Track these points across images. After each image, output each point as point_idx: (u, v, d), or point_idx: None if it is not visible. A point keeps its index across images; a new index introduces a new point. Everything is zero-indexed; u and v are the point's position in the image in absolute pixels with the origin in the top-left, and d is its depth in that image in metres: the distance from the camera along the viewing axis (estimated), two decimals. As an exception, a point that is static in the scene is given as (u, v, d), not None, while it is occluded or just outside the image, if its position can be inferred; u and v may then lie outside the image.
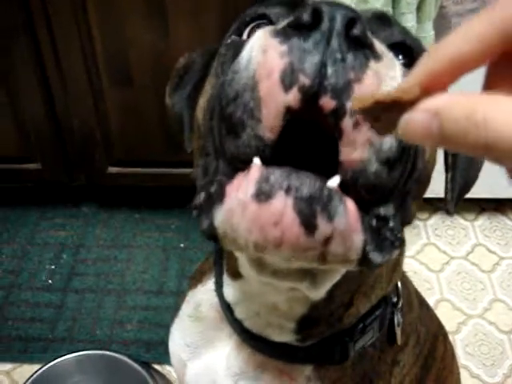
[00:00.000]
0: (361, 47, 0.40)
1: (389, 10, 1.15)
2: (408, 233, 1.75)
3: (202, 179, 0.49)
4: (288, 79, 0.40)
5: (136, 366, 1.27)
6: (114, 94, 1.50)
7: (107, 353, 1.30)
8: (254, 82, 0.41)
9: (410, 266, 1.65)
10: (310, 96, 0.39)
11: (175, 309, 0.81)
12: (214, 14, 1.35)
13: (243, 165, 0.42)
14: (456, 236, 1.75)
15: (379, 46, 0.42)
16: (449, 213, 0.64)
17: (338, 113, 0.40)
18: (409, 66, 0.48)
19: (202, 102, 0.56)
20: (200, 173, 0.50)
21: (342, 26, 0.39)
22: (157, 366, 1.38)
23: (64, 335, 1.44)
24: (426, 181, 0.54)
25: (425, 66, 0.29)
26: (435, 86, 0.28)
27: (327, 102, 0.40)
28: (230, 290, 0.64)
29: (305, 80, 0.39)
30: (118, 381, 1.30)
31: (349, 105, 0.39)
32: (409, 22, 1.17)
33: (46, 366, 1.27)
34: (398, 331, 0.69)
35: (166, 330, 0.82)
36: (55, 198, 1.74)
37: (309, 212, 0.39)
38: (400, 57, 0.51)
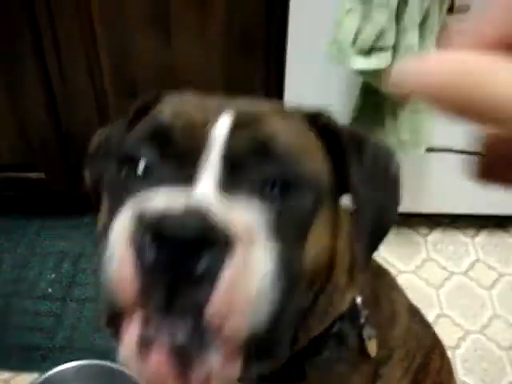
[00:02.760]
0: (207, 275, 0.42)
1: (392, 25, 1.16)
2: (408, 248, 1.76)
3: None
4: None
5: (135, 376, 1.27)
6: (118, 106, 1.51)
7: (106, 363, 1.30)
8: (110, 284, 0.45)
9: (409, 281, 1.65)
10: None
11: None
12: (217, 28, 1.37)
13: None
14: (456, 252, 1.75)
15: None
16: (360, 268, 0.64)
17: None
18: (287, 198, 0.49)
19: (103, 212, 0.57)
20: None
21: (182, 265, 0.41)
22: (156, 377, 1.37)
23: (63, 344, 1.44)
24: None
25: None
26: None
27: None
28: None
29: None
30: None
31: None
32: (411, 38, 1.19)
33: (45, 375, 1.27)
34: (369, 344, 0.70)
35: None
36: (57, 207, 1.74)
37: (182, 368, 0.43)
38: (275, 190, 0.49)
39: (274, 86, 1.49)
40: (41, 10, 1.33)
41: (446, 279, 1.67)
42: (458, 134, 1.54)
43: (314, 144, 0.57)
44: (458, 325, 1.56)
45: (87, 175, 0.70)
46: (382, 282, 0.80)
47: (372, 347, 0.71)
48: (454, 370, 1.09)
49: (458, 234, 1.79)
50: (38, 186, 1.64)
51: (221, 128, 0.50)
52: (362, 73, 1.25)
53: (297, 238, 0.50)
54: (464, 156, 1.60)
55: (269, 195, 0.48)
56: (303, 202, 0.50)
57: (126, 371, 1.28)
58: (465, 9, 1.32)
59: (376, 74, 1.24)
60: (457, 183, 1.66)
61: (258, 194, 0.48)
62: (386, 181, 0.60)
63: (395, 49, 1.20)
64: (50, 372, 1.27)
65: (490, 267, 1.71)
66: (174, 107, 0.54)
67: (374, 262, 0.83)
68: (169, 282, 0.41)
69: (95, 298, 1.54)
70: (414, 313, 0.90)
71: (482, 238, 1.79)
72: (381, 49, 1.19)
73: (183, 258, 0.41)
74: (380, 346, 0.77)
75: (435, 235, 1.79)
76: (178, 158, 0.49)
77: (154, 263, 0.41)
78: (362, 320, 0.69)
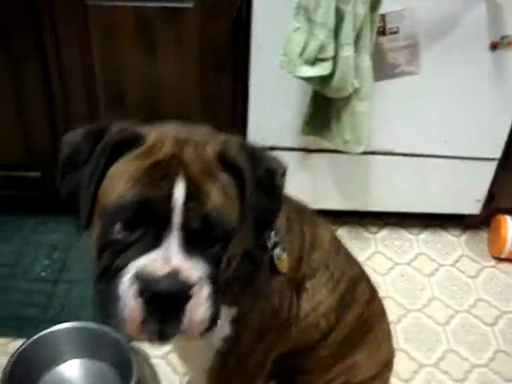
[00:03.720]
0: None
1: (331, 41, 1.44)
2: (359, 243, 2.00)
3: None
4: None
5: (118, 336, 1.46)
6: (109, 113, 1.76)
7: (92, 325, 1.50)
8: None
9: (360, 269, 1.88)
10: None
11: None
12: (192, 46, 1.65)
13: None
14: (401, 246, 2.00)
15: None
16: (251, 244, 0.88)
17: None
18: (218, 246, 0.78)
19: (94, 236, 0.84)
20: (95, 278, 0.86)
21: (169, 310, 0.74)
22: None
23: (53, 317, 1.64)
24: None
25: None
26: None
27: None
28: None
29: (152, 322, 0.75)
30: (101, 350, 1.50)
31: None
32: (347, 51, 1.47)
33: (37, 335, 1.46)
34: (279, 262, 0.96)
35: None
36: (51, 205, 1.96)
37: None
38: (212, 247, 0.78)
39: (241, 98, 1.77)
40: (49, 37, 1.62)
41: (391, 268, 1.92)
42: (403, 137, 1.81)
43: (231, 191, 0.79)
44: (400, 305, 1.80)
45: (61, 185, 0.86)
46: (305, 218, 1.05)
47: (282, 264, 0.96)
48: (386, 314, 1.31)
49: (403, 232, 2.05)
50: (35, 184, 1.87)
51: (178, 202, 0.74)
52: (309, 80, 1.52)
53: (220, 263, 0.80)
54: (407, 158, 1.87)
55: (208, 249, 0.77)
56: (226, 243, 0.79)
57: (111, 331, 1.47)
58: (395, 31, 1.62)
59: (320, 80, 1.52)
60: (402, 184, 1.93)
61: (202, 250, 0.76)
62: (271, 190, 0.83)
63: (335, 59, 1.48)
64: (41, 333, 1.47)
65: (431, 259, 1.96)
66: (142, 181, 0.76)
67: (300, 204, 1.08)
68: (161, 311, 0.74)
69: (82, 280, 1.75)
70: (341, 248, 1.14)
71: (426, 235, 2.04)
72: (323, 60, 1.46)
73: (168, 300, 0.73)
74: (302, 265, 1.01)
75: (384, 233, 2.04)
76: (153, 224, 0.75)
77: (152, 306, 0.74)
78: (269, 245, 0.94)
